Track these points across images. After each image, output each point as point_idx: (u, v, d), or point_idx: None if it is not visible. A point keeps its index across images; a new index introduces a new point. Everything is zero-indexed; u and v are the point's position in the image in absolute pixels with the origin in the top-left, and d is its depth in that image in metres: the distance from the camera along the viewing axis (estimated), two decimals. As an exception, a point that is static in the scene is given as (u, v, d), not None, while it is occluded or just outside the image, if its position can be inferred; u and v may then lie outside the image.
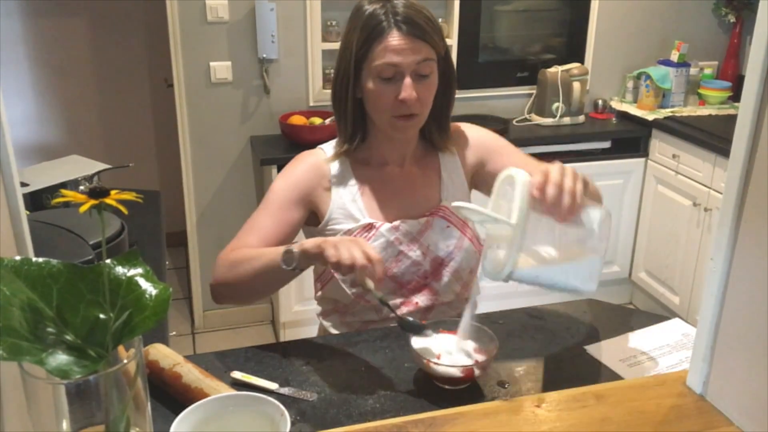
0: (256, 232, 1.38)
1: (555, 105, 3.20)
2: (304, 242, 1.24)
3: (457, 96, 1.46)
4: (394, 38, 1.30)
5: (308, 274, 1.48)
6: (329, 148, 1.47)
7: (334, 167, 1.44)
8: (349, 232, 1.40)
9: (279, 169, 2.81)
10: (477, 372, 1.14)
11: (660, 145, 3.18)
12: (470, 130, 1.54)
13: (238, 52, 2.98)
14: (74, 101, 3.70)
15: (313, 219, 1.44)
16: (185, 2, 2.86)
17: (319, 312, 1.53)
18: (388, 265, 1.38)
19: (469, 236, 1.46)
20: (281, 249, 1.26)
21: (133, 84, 3.75)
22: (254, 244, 1.36)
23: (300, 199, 1.41)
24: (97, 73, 3.69)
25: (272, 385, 1.15)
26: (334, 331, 1.47)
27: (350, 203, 1.42)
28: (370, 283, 1.17)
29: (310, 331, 1.60)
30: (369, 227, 1.40)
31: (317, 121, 2.91)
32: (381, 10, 1.31)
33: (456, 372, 1.13)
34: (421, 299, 1.43)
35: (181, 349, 2.48)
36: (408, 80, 1.31)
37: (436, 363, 1.14)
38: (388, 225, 1.40)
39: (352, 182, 1.43)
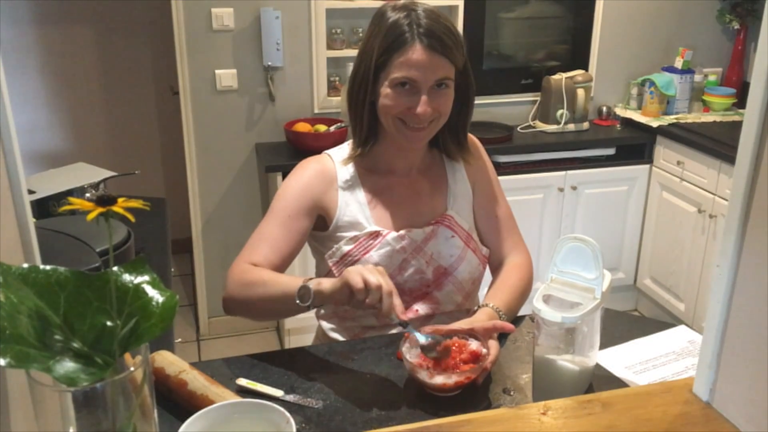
0: (267, 242, 1.37)
1: (559, 112, 3.20)
2: (320, 281, 1.22)
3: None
4: (415, 52, 1.29)
5: (313, 273, 1.47)
6: (336, 154, 1.47)
7: (343, 173, 1.43)
8: (354, 239, 1.40)
9: (284, 176, 2.82)
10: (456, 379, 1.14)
11: (664, 152, 3.17)
12: (482, 147, 1.56)
13: (244, 59, 2.99)
14: (80, 109, 3.71)
15: (320, 224, 1.44)
16: (191, 10, 2.88)
17: (319, 314, 1.52)
18: (391, 273, 1.37)
19: (472, 247, 1.46)
20: (297, 283, 1.23)
21: (139, 92, 3.77)
22: (267, 254, 1.35)
23: (310, 208, 1.40)
24: (103, 81, 3.71)
25: (277, 392, 1.15)
26: (333, 335, 1.47)
27: (357, 210, 1.42)
28: (394, 317, 1.16)
29: (315, 339, 1.59)
30: (375, 235, 1.40)
31: (322, 128, 2.92)
32: (405, 20, 1.30)
33: (426, 377, 1.14)
34: (421, 307, 1.43)
35: (187, 356, 2.47)
36: (424, 96, 1.31)
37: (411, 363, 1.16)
38: (394, 234, 1.40)
39: (360, 189, 1.43)
